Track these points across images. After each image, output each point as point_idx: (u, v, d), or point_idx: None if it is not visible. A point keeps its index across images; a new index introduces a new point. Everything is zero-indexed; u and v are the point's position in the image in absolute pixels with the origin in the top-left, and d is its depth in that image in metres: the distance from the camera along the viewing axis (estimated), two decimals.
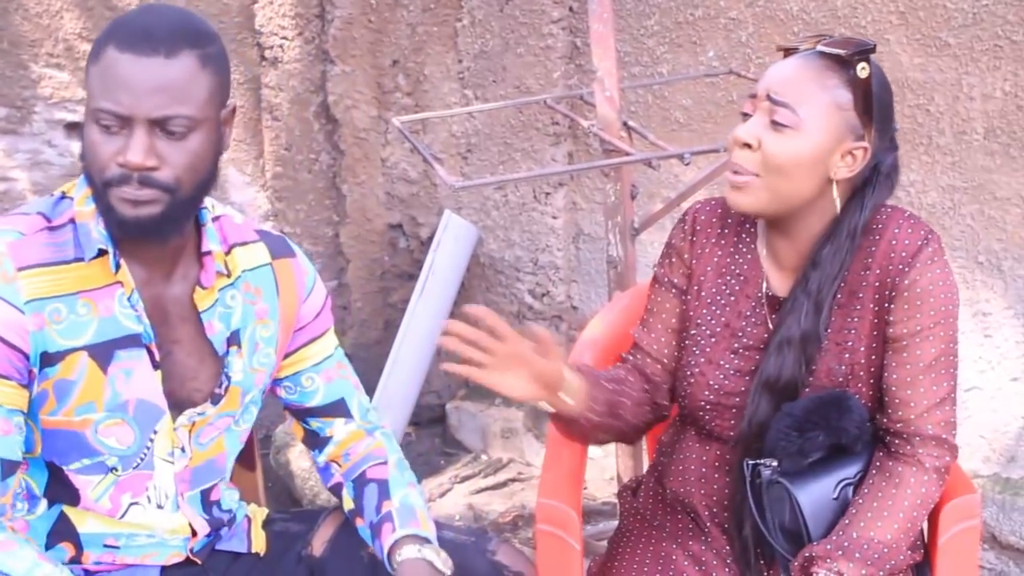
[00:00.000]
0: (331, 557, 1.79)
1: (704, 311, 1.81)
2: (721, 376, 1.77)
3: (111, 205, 1.54)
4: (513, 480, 3.50)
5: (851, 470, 1.72)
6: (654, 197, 3.28)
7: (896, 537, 1.66)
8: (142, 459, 1.67)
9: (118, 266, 1.60)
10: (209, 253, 1.67)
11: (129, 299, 1.61)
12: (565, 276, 3.56)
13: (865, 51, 1.66)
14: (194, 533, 1.74)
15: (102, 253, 1.59)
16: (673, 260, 1.86)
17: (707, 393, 1.78)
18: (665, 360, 1.86)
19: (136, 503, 1.69)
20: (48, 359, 1.57)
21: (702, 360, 1.79)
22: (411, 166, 3.69)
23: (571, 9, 3.34)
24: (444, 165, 3.33)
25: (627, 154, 2.46)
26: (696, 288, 1.82)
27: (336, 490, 1.85)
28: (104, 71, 1.51)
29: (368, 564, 1.77)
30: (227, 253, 1.70)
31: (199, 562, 1.76)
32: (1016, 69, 2.78)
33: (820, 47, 1.67)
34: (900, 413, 1.70)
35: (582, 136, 3.42)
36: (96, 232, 1.58)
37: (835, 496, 1.70)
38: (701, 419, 1.81)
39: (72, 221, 1.60)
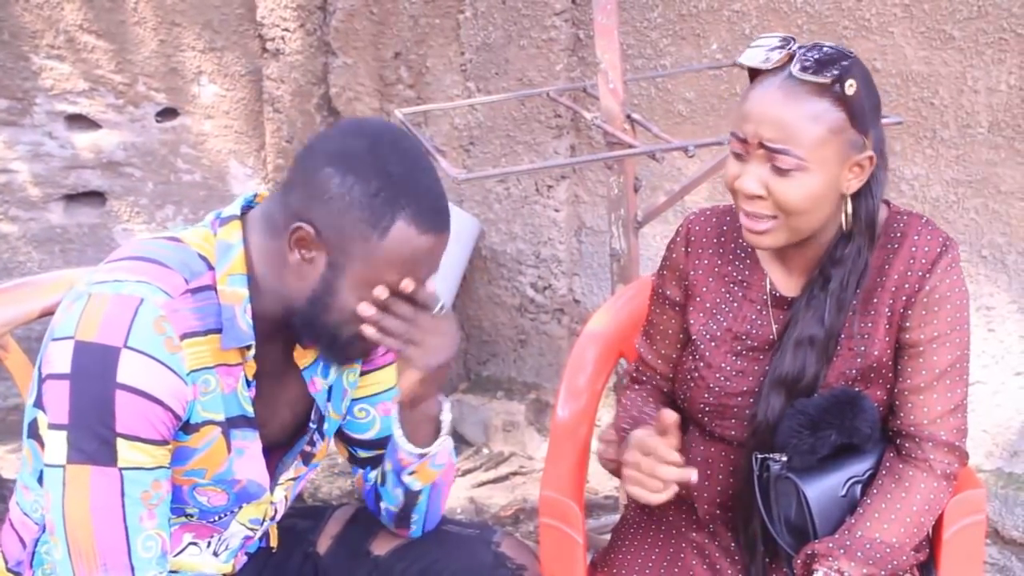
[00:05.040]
0: (335, 555, 1.79)
1: (708, 319, 1.80)
2: (722, 378, 1.76)
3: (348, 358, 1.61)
4: (514, 474, 3.50)
5: (860, 468, 1.71)
6: (657, 190, 3.28)
7: (901, 540, 1.65)
8: (221, 517, 1.64)
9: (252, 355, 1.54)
10: None
11: (249, 382, 1.56)
12: (567, 269, 3.55)
13: (846, 68, 1.56)
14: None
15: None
16: (667, 273, 1.85)
17: (707, 395, 1.77)
18: (672, 374, 1.86)
19: (195, 544, 1.65)
20: (187, 427, 1.51)
21: (701, 364, 1.78)
22: None
23: (574, 1, 3.32)
24: (446, 158, 3.32)
25: (631, 147, 2.44)
26: (698, 299, 1.81)
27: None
28: (406, 250, 1.53)
29: (371, 562, 1.76)
30: None
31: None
32: (1021, 62, 2.77)
33: (795, 72, 1.57)
34: (913, 417, 1.69)
35: (584, 129, 3.41)
36: (244, 323, 1.51)
37: (843, 493, 1.69)
38: (701, 421, 1.80)
39: (211, 288, 1.51)
